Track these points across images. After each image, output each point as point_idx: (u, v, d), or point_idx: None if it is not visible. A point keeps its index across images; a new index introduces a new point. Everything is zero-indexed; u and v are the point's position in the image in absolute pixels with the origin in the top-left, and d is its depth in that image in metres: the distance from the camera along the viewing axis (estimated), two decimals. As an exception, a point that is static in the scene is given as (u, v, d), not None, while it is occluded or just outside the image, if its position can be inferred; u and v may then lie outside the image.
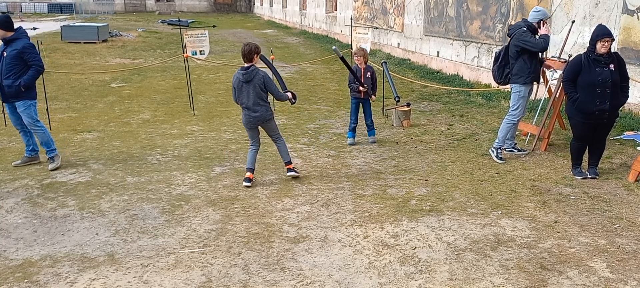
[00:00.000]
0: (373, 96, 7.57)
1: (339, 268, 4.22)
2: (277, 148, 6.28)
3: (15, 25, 6.53)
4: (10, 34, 6.39)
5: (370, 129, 7.81)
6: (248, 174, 6.00)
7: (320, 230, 4.89)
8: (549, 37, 6.62)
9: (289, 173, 6.20)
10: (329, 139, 7.89)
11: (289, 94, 6.12)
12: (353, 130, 7.70)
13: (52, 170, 6.49)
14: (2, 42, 6.44)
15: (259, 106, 5.85)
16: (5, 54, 6.37)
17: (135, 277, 4.09)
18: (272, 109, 6.17)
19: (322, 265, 4.27)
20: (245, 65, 5.81)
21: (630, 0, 8.05)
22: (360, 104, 7.63)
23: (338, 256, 4.41)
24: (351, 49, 11.35)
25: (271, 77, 6.00)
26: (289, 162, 6.23)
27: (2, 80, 6.39)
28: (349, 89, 7.71)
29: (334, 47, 7.42)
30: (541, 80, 7.92)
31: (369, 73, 7.51)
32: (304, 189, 5.91)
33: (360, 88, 7.40)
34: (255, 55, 5.80)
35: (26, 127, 6.68)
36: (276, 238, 4.72)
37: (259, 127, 6.06)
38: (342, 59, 7.12)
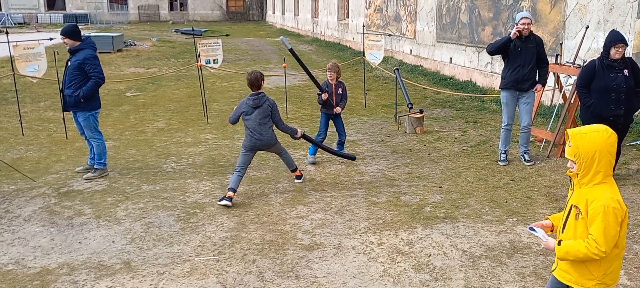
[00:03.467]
0: (338, 108, 7.13)
1: (354, 275, 4.22)
2: (283, 160, 6.33)
3: (83, 34, 6.62)
4: (77, 43, 6.46)
5: (341, 146, 7.38)
6: (229, 193, 5.68)
7: (334, 237, 4.89)
8: (500, 39, 6.88)
9: (296, 180, 6.38)
10: (342, 146, 7.89)
11: (296, 129, 6.14)
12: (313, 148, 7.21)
13: (86, 179, 6.55)
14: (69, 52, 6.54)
15: (264, 131, 5.78)
16: (69, 63, 6.47)
17: (151, 285, 4.12)
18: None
19: (337, 272, 4.27)
20: (254, 92, 5.78)
21: (646, 5, 7.98)
22: (331, 120, 7.23)
23: (352, 263, 4.41)
24: (364, 56, 11.36)
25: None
26: (295, 169, 6.36)
27: (64, 89, 6.53)
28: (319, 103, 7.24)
29: (281, 38, 6.96)
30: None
31: (340, 89, 7.18)
32: (317, 196, 5.92)
33: (335, 110, 7.07)
34: (262, 82, 5.80)
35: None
36: (290, 246, 4.73)
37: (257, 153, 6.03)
38: (292, 52, 6.77)
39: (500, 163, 6.91)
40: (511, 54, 6.66)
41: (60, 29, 6.73)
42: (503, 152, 6.99)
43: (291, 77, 13.60)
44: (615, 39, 5.75)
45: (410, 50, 16.76)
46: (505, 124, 6.92)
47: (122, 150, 7.88)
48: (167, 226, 5.21)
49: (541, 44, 6.78)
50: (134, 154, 7.68)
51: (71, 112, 6.73)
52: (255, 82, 5.77)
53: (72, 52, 6.47)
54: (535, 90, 6.81)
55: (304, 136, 6.32)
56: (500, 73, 6.98)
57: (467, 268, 4.28)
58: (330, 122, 7.25)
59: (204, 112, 10.05)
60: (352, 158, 6.95)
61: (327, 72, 7.20)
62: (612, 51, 5.75)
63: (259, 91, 5.79)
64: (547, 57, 6.97)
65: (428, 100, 11.35)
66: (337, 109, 7.10)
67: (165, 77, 15.04)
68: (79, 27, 6.77)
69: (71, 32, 6.45)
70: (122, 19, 44.67)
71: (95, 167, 6.68)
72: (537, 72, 6.77)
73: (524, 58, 6.61)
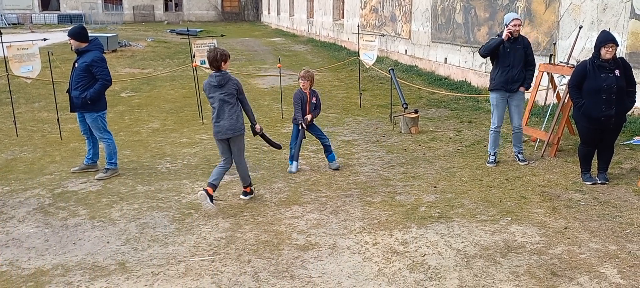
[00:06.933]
0: (308, 117, 6.60)
1: (349, 275, 4.23)
2: (238, 172, 5.75)
3: (89, 36, 6.57)
4: (83, 45, 6.42)
5: (329, 151, 6.82)
6: (208, 189, 5.44)
7: (329, 237, 4.90)
8: (490, 40, 6.85)
9: (242, 196, 5.84)
10: (337, 147, 7.90)
11: (257, 125, 5.70)
12: (295, 158, 6.72)
13: (98, 179, 6.54)
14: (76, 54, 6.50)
15: (227, 115, 5.44)
16: (76, 64, 6.44)
17: (146, 286, 4.12)
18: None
19: (332, 272, 4.28)
20: (215, 72, 5.41)
21: (638, 5, 8.03)
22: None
23: (347, 263, 4.42)
24: (358, 55, 11.37)
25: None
26: (248, 185, 5.84)
27: (71, 90, 6.50)
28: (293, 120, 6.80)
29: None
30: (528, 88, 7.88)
31: (314, 98, 6.68)
32: (312, 197, 5.93)
33: (301, 124, 6.56)
34: (223, 63, 5.40)
35: (92, 135, 6.77)
36: (285, 246, 4.74)
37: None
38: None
39: (488, 165, 6.91)
40: (500, 55, 6.68)
41: (68, 30, 6.68)
42: (492, 153, 6.98)
43: (286, 78, 13.59)
44: (605, 39, 5.79)
45: (406, 51, 16.79)
46: (495, 125, 6.90)
47: (117, 151, 7.84)
48: (162, 227, 5.20)
49: (529, 46, 6.80)
50: (129, 155, 7.67)
51: (74, 113, 6.73)
52: (214, 61, 5.36)
53: (79, 53, 6.43)
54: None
55: (262, 135, 5.93)
56: (490, 74, 6.96)
57: (461, 268, 4.30)
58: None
59: (199, 112, 10.04)
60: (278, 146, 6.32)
61: (300, 81, 6.63)
62: (603, 51, 5.78)
63: (220, 71, 5.39)
64: (535, 59, 6.93)
65: (423, 100, 11.37)
66: (307, 117, 6.57)
67: (160, 77, 15.01)
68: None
69: (77, 33, 6.41)
70: (117, 19, 44.53)
71: (106, 167, 6.68)
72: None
73: (513, 59, 6.63)
